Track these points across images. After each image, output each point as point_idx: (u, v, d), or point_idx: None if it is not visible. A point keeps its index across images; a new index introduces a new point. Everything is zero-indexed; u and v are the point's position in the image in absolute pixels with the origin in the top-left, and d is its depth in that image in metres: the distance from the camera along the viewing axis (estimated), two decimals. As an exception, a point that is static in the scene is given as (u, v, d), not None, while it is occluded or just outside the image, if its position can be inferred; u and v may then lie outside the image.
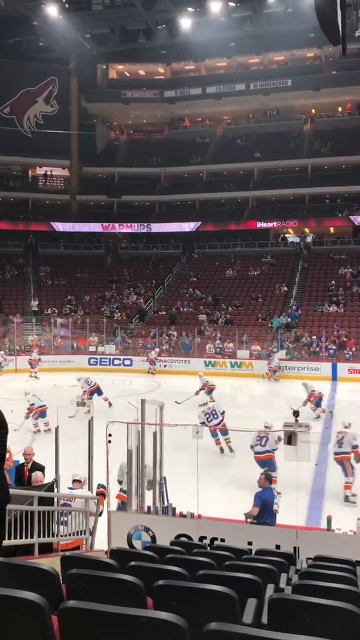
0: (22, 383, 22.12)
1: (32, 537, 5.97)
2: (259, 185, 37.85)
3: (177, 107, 40.60)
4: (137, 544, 6.62)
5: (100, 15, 34.14)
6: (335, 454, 10.59)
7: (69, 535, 6.98)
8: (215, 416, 13.20)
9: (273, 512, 7.76)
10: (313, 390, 17.13)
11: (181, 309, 32.07)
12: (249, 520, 7.54)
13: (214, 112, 41.14)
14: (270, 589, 3.63)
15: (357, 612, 2.51)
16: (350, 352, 25.88)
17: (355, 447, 10.38)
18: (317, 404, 17.01)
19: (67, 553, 5.44)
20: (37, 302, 32.59)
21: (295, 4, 30.78)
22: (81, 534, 7.19)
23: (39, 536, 6.10)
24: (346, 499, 10.16)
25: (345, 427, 10.89)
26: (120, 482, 8.59)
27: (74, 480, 7.66)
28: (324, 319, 29.07)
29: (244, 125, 41.20)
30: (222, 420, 13.17)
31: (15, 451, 9.18)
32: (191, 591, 2.90)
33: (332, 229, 37.54)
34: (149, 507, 7.70)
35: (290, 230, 38.21)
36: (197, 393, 18.42)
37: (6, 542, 5.55)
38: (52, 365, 26.66)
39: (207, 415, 13.25)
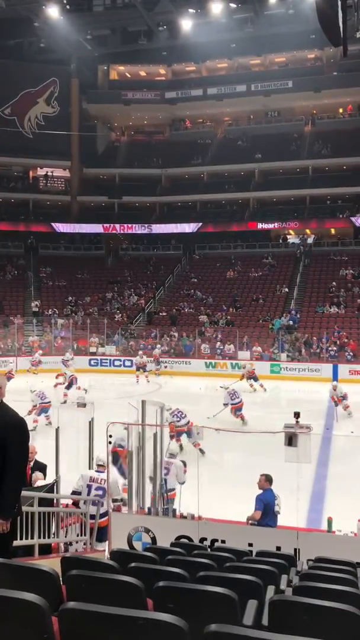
0: (22, 383, 22.11)
1: (32, 538, 5.96)
2: (260, 187, 37.86)
3: (178, 108, 40.63)
4: (138, 545, 6.61)
5: (101, 17, 34.21)
6: None
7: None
8: (237, 396, 16.33)
9: (275, 514, 7.74)
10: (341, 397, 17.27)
11: (182, 310, 32.07)
12: (250, 522, 7.52)
13: (214, 113, 41.16)
14: (270, 591, 3.62)
15: (357, 613, 2.51)
16: (351, 354, 25.88)
17: None
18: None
19: (68, 554, 5.43)
20: (37, 303, 32.59)
21: (296, 5, 30.83)
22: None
23: (39, 537, 6.09)
24: None
25: None
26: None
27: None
28: (325, 320, 29.06)
29: (245, 127, 41.21)
30: (241, 400, 16.33)
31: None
32: (191, 592, 2.89)
33: (333, 230, 37.54)
34: (149, 508, 7.69)
35: (291, 232, 38.21)
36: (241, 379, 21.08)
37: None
38: (52, 367, 26.63)
39: (231, 395, 16.22)
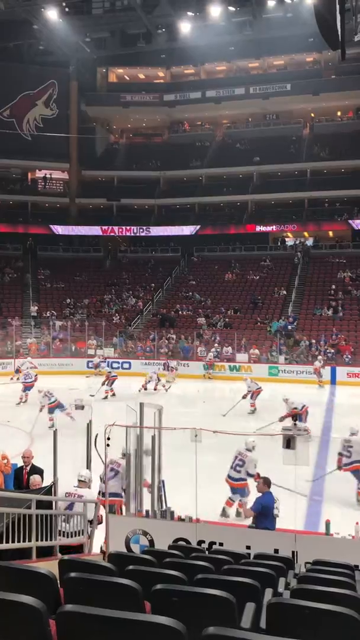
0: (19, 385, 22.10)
1: (30, 540, 5.95)
2: (258, 189, 37.91)
3: (177, 110, 40.69)
4: (135, 548, 6.60)
5: (100, 19, 34.28)
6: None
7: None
8: (257, 384, 18.73)
9: (274, 517, 7.74)
10: (295, 408, 15.83)
11: (180, 312, 32.08)
12: (248, 525, 7.54)
13: (213, 116, 41.24)
14: (268, 594, 3.61)
15: (355, 616, 2.51)
16: (349, 356, 25.92)
17: None
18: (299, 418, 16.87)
19: (65, 557, 5.43)
20: (36, 308, 32.55)
21: (295, 8, 30.92)
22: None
23: (37, 540, 6.08)
24: None
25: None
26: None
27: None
28: (323, 323, 29.08)
29: (244, 129, 41.32)
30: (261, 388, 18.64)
31: (15, 454, 9.18)
32: (189, 595, 2.89)
33: (331, 233, 37.60)
34: (147, 511, 7.68)
35: (289, 234, 38.26)
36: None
37: (4, 546, 5.55)
38: (50, 369, 26.63)
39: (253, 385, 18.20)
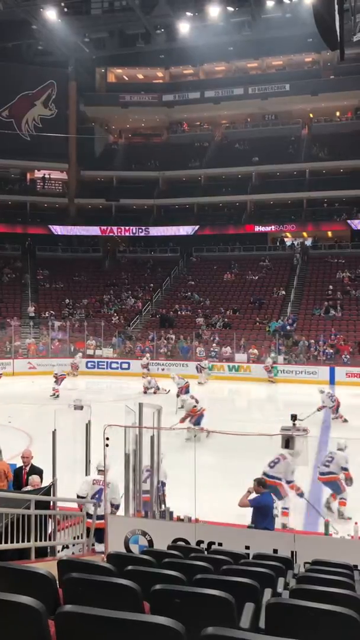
0: (22, 387, 22.14)
1: (28, 541, 5.95)
2: (257, 189, 37.92)
3: (176, 111, 40.69)
4: (134, 548, 6.59)
5: (99, 20, 34.30)
6: (322, 474, 10.34)
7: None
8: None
9: (273, 517, 7.74)
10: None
11: (179, 313, 32.08)
12: (248, 525, 7.54)
13: (212, 116, 41.25)
14: (267, 594, 3.61)
15: (354, 616, 2.51)
16: (348, 356, 25.93)
17: (345, 469, 10.18)
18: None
19: (64, 557, 5.43)
20: (33, 308, 32.55)
21: (294, 9, 30.96)
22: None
23: (36, 540, 6.08)
24: (341, 515, 10.03)
25: (340, 449, 10.60)
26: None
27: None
28: (322, 323, 29.10)
29: (242, 130, 41.34)
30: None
31: (14, 454, 9.18)
32: (188, 595, 2.89)
33: (329, 233, 37.62)
34: (146, 511, 7.68)
35: (288, 234, 38.27)
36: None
37: (2, 546, 5.54)
38: (50, 369, 26.60)
39: (330, 397, 17.34)
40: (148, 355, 27.01)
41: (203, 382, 24.72)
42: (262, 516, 7.49)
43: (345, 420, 17.27)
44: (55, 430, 7.62)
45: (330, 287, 31.41)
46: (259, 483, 7.74)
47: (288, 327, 28.99)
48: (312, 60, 39.70)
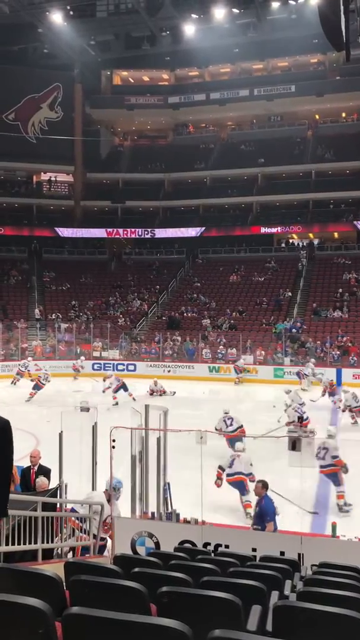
0: (28, 389, 22.18)
1: (35, 542, 5.95)
2: (263, 191, 37.90)
3: (181, 113, 40.73)
4: (141, 550, 6.59)
5: (104, 22, 34.37)
6: (322, 467, 10.29)
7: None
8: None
9: (274, 518, 7.75)
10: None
11: (185, 314, 32.07)
12: (253, 527, 7.54)
13: (217, 117, 41.24)
14: (274, 596, 3.60)
15: (362, 619, 2.49)
16: (355, 358, 25.83)
17: (335, 457, 10.15)
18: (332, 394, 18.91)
19: (71, 559, 5.43)
20: (39, 310, 32.63)
21: (299, 10, 30.91)
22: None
23: (43, 542, 6.08)
24: (340, 509, 10.00)
25: (330, 435, 10.56)
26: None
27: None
28: (328, 324, 29.01)
29: (248, 131, 41.34)
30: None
31: (23, 455, 9.18)
32: (195, 598, 2.88)
33: (336, 234, 37.54)
34: (152, 513, 7.67)
35: (294, 236, 38.22)
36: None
37: (10, 548, 5.55)
38: (56, 371, 26.65)
39: (355, 398, 16.88)
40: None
41: (238, 383, 25.11)
42: (259, 519, 7.58)
43: (355, 423, 17.20)
44: (62, 432, 7.63)
45: (340, 289, 31.25)
46: (264, 485, 7.76)
47: (294, 330, 28.86)
48: (317, 61, 39.63)
